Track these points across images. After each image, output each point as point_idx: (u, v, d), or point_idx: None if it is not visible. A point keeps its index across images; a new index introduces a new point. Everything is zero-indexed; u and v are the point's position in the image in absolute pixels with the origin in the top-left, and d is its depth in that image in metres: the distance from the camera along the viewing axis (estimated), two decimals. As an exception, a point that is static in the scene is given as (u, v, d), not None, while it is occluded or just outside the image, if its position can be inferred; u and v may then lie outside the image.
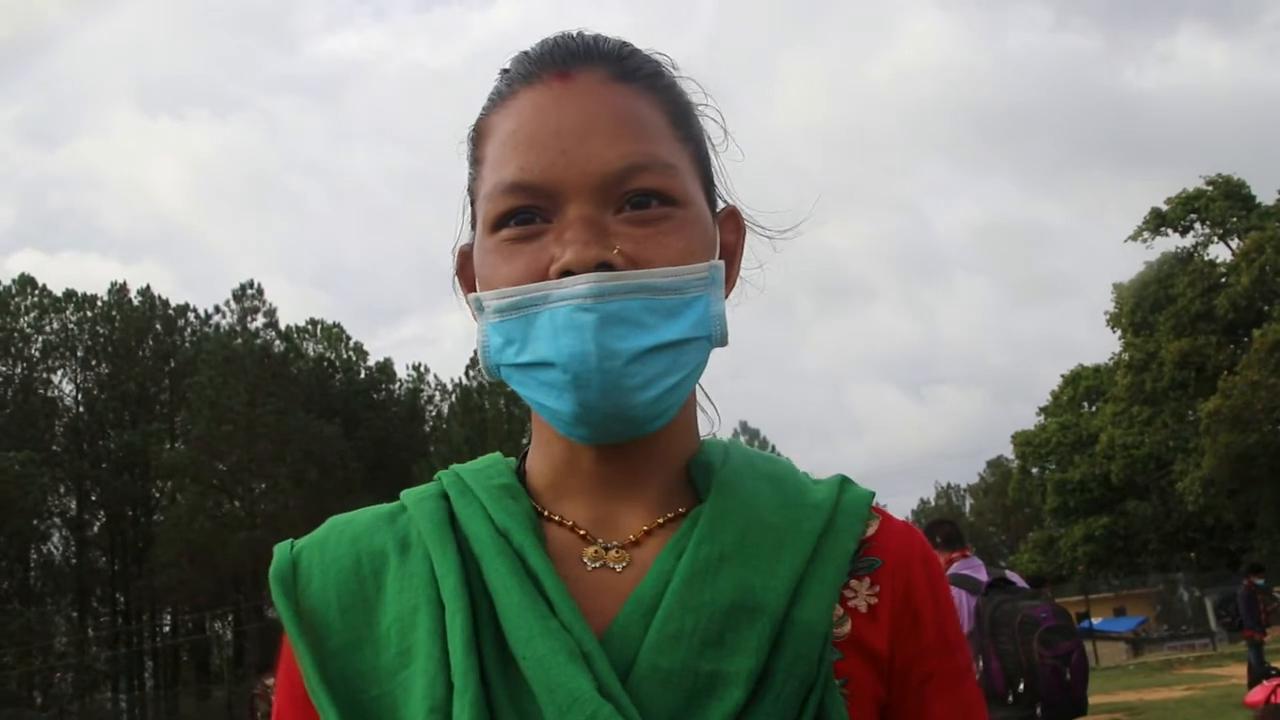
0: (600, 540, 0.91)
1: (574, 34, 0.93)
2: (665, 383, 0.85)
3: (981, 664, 4.83)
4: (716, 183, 0.98)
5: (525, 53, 0.93)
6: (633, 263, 0.84)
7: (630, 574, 0.89)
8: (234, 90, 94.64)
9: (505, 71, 0.94)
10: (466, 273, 0.96)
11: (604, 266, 0.83)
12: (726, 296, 0.94)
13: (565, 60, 0.89)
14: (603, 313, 0.82)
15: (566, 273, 0.83)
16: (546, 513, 0.93)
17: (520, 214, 0.86)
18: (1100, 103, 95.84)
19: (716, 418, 1.01)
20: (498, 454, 1.01)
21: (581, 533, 0.92)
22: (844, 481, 0.97)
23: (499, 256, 0.87)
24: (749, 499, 0.91)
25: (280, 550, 0.95)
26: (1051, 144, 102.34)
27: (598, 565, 0.90)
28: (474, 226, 0.94)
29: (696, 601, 0.84)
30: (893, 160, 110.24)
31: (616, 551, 0.90)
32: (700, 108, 0.98)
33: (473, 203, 0.95)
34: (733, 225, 0.99)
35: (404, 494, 0.98)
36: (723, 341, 0.89)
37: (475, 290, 0.93)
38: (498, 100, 0.92)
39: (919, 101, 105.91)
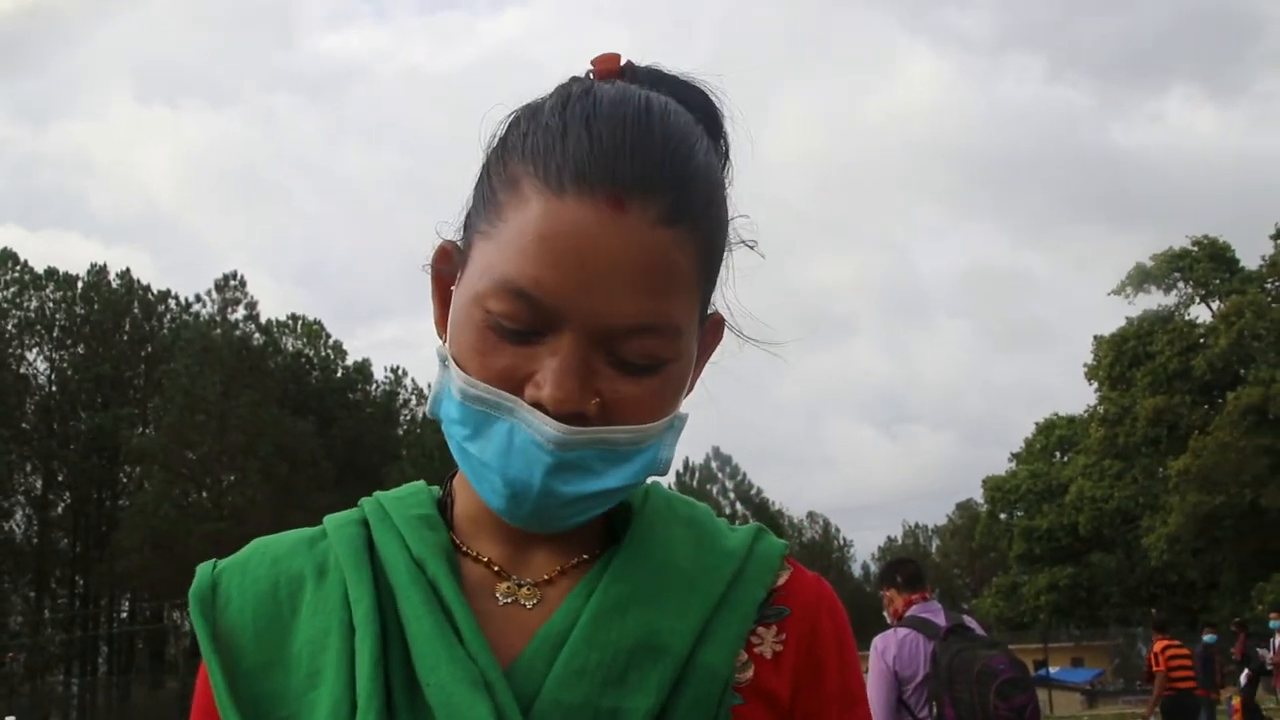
0: (514, 577, 0.92)
1: (647, 132, 0.84)
2: (594, 511, 0.88)
3: (935, 710, 4.86)
4: (715, 293, 0.95)
5: (589, 132, 0.84)
6: (606, 412, 0.84)
7: (540, 611, 0.90)
8: (230, 83, 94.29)
9: (562, 127, 0.84)
10: (443, 274, 0.94)
11: (578, 416, 0.83)
12: (689, 392, 0.93)
13: (624, 182, 0.82)
14: (560, 459, 0.82)
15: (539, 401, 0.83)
16: (464, 547, 0.94)
17: (516, 316, 0.84)
18: (1090, 156, 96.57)
19: None
20: (421, 483, 1.02)
21: (496, 569, 0.93)
22: (759, 531, 0.99)
23: (481, 340, 0.85)
24: (663, 543, 0.93)
25: (202, 571, 0.96)
26: (1040, 194, 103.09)
27: (509, 601, 0.91)
28: (464, 232, 0.92)
29: (603, 639, 0.85)
30: (880, 199, 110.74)
31: (528, 589, 0.92)
32: (734, 221, 0.94)
33: (468, 216, 0.92)
34: (713, 331, 0.97)
35: (326, 519, 0.99)
36: (663, 475, 0.91)
37: (448, 296, 0.92)
38: (543, 172, 0.83)
39: (909, 144, 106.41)
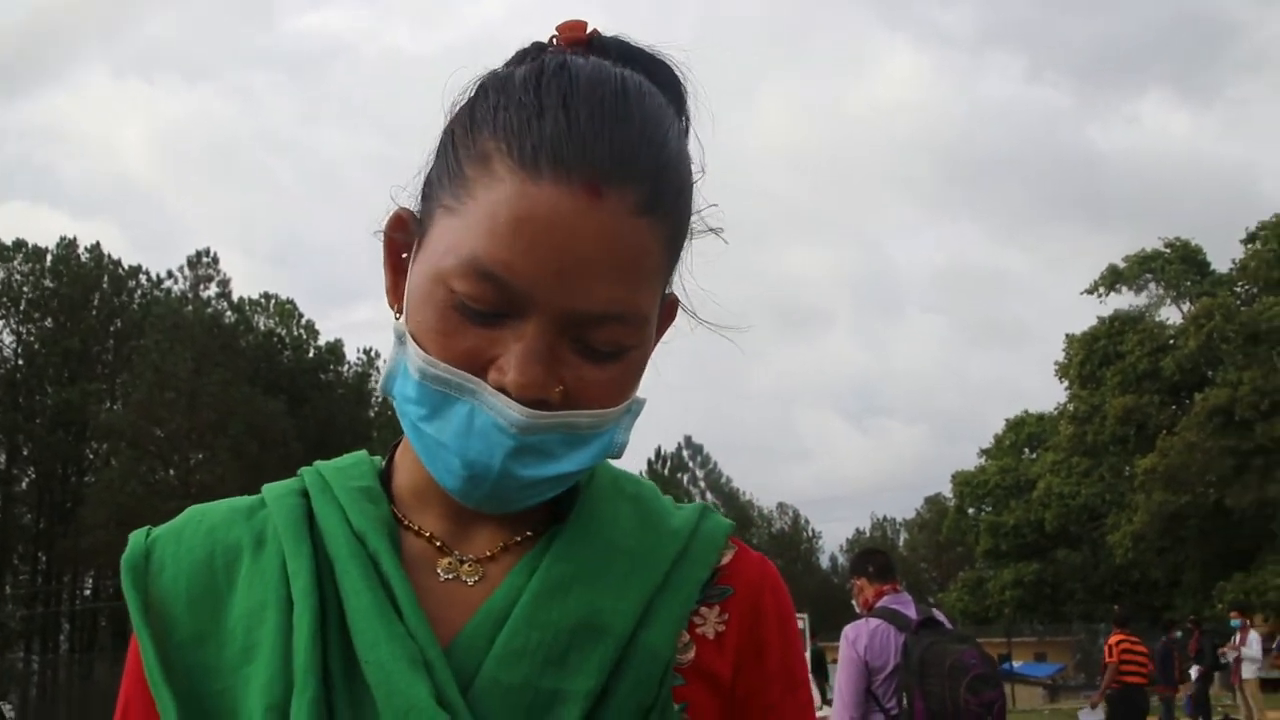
0: (456, 552, 0.91)
1: (625, 116, 0.83)
2: (548, 494, 0.87)
3: (905, 703, 4.88)
4: (675, 275, 0.92)
5: (567, 114, 0.81)
6: (569, 397, 0.83)
7: (482, 588, 0.89)
8: (207, 58, 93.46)
9: (538, 106, 0.81)
10: (396, 242, 0.91)
11: (541, 402, 0.81)
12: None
13: (603, 168, 0.79)
14: (521, 443, 0.81)
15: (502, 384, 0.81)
16: (405, 521, 0.92)
17: (483, 299, 0.81)
18: (1067, 157, 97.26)
19: None
20: (363, 453, 1.00)
21: (438, 544, 0.91)
22: (704, 510, 0.99)
23: (443, 320, 0.82)
24: (608, 521, 0.92)
25: (135, 538, 0.94)
26: (1017, 193, 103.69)
27: (450, 577, 0.89)
28: (423, 201, 0.88)
29: (543, 619, 0.84)
30: (859, 194, 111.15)
31: (470, 565, 0.90)
32: (700, 210, 0.92)
33: (428, 185, 0.88)
34: (668, 312, 0.95)
35: (265, 489, 0.97)
36: (617, 458, 0.90)
37: (401, 265, 0.90)
38: (517, 151, 0.80)
39: (889, 139, 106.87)
